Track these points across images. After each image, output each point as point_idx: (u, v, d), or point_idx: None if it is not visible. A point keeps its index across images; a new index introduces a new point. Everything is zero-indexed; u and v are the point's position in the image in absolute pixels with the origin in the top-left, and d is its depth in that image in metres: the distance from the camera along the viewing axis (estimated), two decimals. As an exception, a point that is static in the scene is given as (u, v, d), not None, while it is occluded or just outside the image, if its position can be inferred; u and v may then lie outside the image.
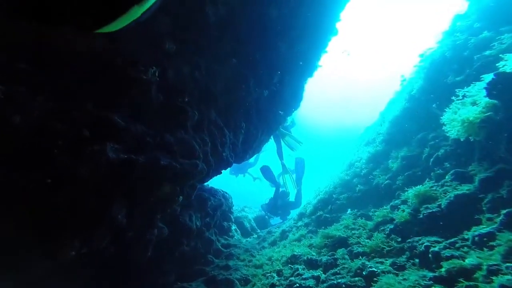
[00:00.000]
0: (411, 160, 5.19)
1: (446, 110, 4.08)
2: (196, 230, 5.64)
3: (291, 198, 11.59)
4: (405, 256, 3.28)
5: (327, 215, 6.73)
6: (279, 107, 7.59)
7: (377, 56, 34.22)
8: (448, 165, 4.10)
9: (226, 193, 8.80)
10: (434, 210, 3.38)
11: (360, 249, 4.24)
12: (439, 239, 3.08)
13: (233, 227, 10.12)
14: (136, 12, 0.97)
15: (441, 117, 4.15)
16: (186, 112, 4.16)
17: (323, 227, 6.54)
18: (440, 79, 5.34)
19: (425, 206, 3.54)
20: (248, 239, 9.84)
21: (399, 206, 4.24)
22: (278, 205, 11.27)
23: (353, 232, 5.10)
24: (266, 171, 11.12)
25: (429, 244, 3.05)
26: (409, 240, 3.37)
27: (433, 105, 5.39)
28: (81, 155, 2.72)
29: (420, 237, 3.28)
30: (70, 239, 2.68)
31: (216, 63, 5.11)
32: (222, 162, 5.48)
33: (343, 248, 4.78)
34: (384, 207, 4.80)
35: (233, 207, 11.94)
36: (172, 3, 4.13)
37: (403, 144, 5.61)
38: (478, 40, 4.93)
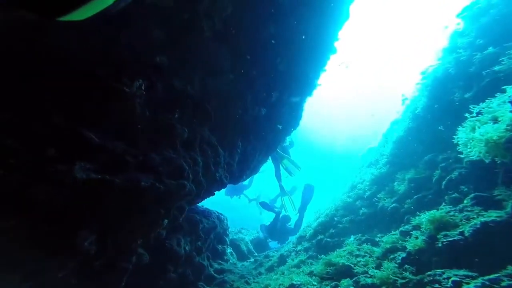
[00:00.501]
0: (419, 183, 4.74)
1: (459, 129, 3.68)
2: (184, 256, 5.08)
3: (292, 223, 11.04)
4: (426, 294, 2.75)
5: (328, 239, 6.17)
6: (277, 126, 7.22)
7: (374, 73, 34.26)
8: (465, 188, 3.65)
9: (221, 214, 8.24)
10: (456, 238, 2.87)
11: (368, 280, 3.68)
12: (471, 274, 2.55)
13: (229, 250, 9.46)
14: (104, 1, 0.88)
15: (454, 137, 3.74)
16: (175, 129, 3.75)
17: (324, 253, 5.97)
18: (446, 97, 5.00)
19: (443, 233, 3.05)
20: (245, 263, 9.15)
21: (410, 232, 3.74)
22: (277, 228, 10.76)
23: (358, 259, 4.55)
24: (265, 205, 11.69)
25: (458, 279, 2.52)
26: (429, 272, 2.83)
27: (440, 127, 5.01)
28: (39, 175, 2.28)
29: (443, 270, 2.75)
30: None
31: (211, 78, 4.77)
32: (215, 182, 5.01)
33: (348, 279, 4.21)
34: (393, 233, 4.28)
35: (229, 229, 11.32)
36: (165, 16, 3.85)
37: (409, 166, 5.18)
38: (484, 56, 4.63)
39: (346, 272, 4.41)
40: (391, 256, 3.76)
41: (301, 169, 8.77)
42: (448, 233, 3.00)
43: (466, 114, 3.64)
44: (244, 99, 5.65)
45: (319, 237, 6.42)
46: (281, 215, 10.74)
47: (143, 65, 3.49)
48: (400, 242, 3.83)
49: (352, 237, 5.38)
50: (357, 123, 34.32)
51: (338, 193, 7.93)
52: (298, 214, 10.64)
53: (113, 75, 3.04)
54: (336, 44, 7.43)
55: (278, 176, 9.25)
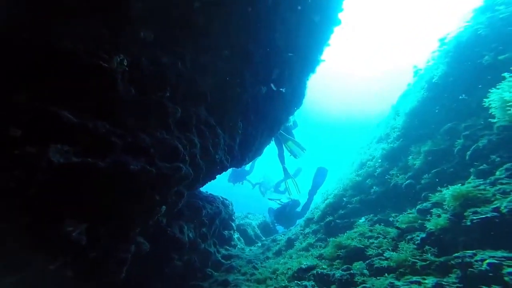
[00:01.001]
0: (438, 155, 4.31)
1: (492, 90, 3.22)
2: (188, 243, 4.81)
3: (300, 207, 10.82)
4: (454, 276, 2.39)
5: (337, 220, 5.85)
6: (279, 105, 6.78)
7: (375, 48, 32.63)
8: (497, 158, 3.21)
9: (226, 199, 7.98)
10: (489, 215, 2.49)
11: (384, 263, 3.34)
12: (509, 255, 2.18)
13: (236, 235, 9.27)
14: None
15: (480, 103, 3.28)
16: (166, 107, 3.37)
17: (333, 235, 5.67)
18: (471, 61, 4.48)
19: (472, 210, 2.67)
20: (252, 247, 8.97)
21: (430, 210, 3.36)
22: (285, 213, 10.53)
23: (371, 241, 4.22)
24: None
25: (497, 261, 2.15)
26: (457, 254, 2.47)
27: (462, 96, 4.52)
28: (6, 161, 1.94)
29: (474, 251, 2.39)
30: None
31: (204, 55, 4.34)
32: (215, 165, 4.66)
33: (360, 261, 3.90)
34: (409, 211, 3.91)
35: (235, 214, 11.11)
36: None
37: (426, 138, 4.73)
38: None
39: (358, 254, 4.10)
40: (408, 237, 3.41)
41: (306, 150, 8.37)
42: (478, 209, 2.61)
43: (505, 74, 3.16)
44: (242, 77, 5.20)
45: (327, 219, 6.10)
46: (290, 201, 10.51)
47: (126, 41, 3.08)
48: (419, 221, 3.46)
49: (363, 218, 5.04)
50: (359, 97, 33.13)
51: (345, 172, 7.54)
52: (307, 197, 10.37)
53: (91, 51, 2.64)
54: (341, 16, 6.83)
55: (281, 158, 8.88)
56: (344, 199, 6.15)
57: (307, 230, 6.86)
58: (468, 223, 2.60)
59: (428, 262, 2.79)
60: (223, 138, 5.03)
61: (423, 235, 3.09)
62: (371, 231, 4.54)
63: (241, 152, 6.29)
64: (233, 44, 4.82)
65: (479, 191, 2.80)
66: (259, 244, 9.11)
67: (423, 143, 4.68)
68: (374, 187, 5.42)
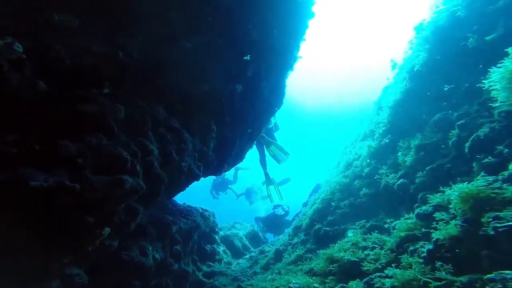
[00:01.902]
0: (430, 149, 3.70)
1: (491, 70, 2.65)
2: (155, 265, 4.00)
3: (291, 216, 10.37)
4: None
5: (327, 228, 5.15)
6: (258, 105, 6.11)
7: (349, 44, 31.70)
8: (506, 149, 2.60)
9: (206, 211, 7.18)
10: (518, 222, 1.86)
11: (387, 282, 2.63)
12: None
13: (221, 248, 8.44)
14: None
15: (476, 86, 2.70)
16: (103, 107, 2.61)
17: (324, 245, 4.97)
18: (454, 45, 3.95)
19: (491, 215, 2.02)
20: (240, 260, 8.15)
21: (432, 215, 2.71)
22: (274, 221, 10.02)
23: (366, 253, 3.54)
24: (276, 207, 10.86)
25: None
26: (490, 275, 1.77)
27: (445, 86, 3.98)
28: None
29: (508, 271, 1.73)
30: None
31: (157, 45, 3.63)
32: (182, 174, 3.90)
33: (357, 280, 3.20)
34: (406, 216, 3.25)
35: (221, 225, 10.28)
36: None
37: (415, 131, 4.13)
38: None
39: (353, 269, 3.40)
40: (411, 248, 2.74)
41: (290, 156, 7.69)
42: (500, 214, 1.97)
43: (509, 49, 2.59)
44: (211, 73, 4.52)
45: (316, 227, 5.40)
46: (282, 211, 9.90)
47: (31, 24, 2.34)
48: (421, 229, 2.81)
49: (355, 225, 4.36)
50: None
51: (332, 174, 6.89)
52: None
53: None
54: (314, 8, 6.28)
55: (262, 162, 8.15)
56: (332, 203, 5.48)
57: (295, 239, 6.14)
58: (491, 232, 1.95)
59: (444, 282, 2.11)
60: (192, 142, 4.29)
61: (430, 246, 2.43)
62: (365, 240, 3.86)
63: (217, 158, 5.55)
64: (198, 35, 4.15)
65: (492, 190, 2.17)
66: (247, 256, 8.30)
67: (412, 137, 4.07)
68: (363, 189, 4.77)
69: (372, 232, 3.90)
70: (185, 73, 4.04)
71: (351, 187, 5.36)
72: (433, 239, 2.42)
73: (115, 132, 2.77)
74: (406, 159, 3.96)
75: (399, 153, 4.18)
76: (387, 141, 4.87)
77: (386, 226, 3.73)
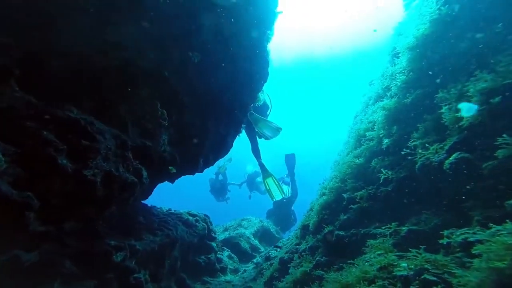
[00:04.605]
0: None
1: None
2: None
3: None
4: None
5: (340, 232, 3.45)
6: (229, 77, 4.40)
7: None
8: None
9: (195, 216, 5.68)
10: None
11: None
12: None
13: (226, 253, 6.97)
14: None
15: None
16: None
17: (339, 257, 3.32)
18: None
19: None
20: (248, 265, 6.65)
21: None
22: (281, 215, 8.68)
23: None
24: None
25: None
26: None
27: None
28: None
29: None
30: None
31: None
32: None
33: None
34: (477, 219, 1.50)
35: (225, 225, 8.80)
36: None
37: (462, 74, 2.28)
38: None
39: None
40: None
41: (282, 130, 5.89)
42: None
43: None
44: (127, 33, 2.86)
45: (326, 229, 3.71)
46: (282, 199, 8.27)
47: None
48: None
49: (382, 228, 2.62)
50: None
51: (342, 153, 5.05)
52: (290, 184, 9.46)
53: None
54: None
55: (255, 151, 6.43)
56: (344, 195, 3.73)
57: (303, 245, 4.47)
58: None
59: None
60: (117, 137, 2.70)
61: None
62: (401, 258, 2.13)
63: (183, 153, 3.95)
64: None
65: None
66: (256, 260, 6.77)
67: (460, 82, 2.20)
68: (385, 172, 2.98)
69: (412, 245, 2.15)
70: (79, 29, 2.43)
71: (368, 170, 3.57)
72: None
73: None
74: (464, 115, 2.11)
75: (444, 108, 2.34)
76: (414, 95, 3.01)
77: (438, 233, 1.96)
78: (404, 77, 3.18)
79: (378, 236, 2.79)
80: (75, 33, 2.40)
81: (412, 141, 2.67)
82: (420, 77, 3.07)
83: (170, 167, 2.99)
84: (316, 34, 22.87)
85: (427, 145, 2.43)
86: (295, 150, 10.75)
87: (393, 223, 2.54)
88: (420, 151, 2.50)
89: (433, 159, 2.29)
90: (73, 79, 2.43)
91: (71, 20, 2.39)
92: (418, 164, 2.48)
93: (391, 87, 3.53)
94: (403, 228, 2.40)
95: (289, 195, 9.34)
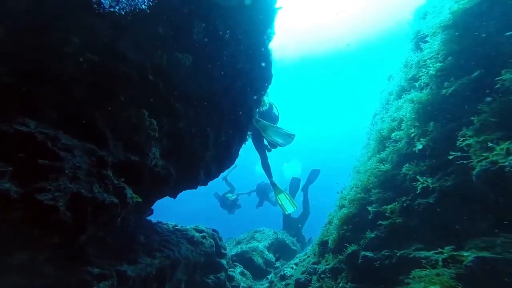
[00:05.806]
0: None
1: None
2: None
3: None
4: None
5: (369, 254, 2.75)
6: (227, 80, 3.85)
7: None
8: None
9: (202, 231, 5.09)
10: None
11: None
12: None
13: (238, 269, 6.31)
14: None
15: None
16: None
17: (368, 285, 2.64)
18: None
19: None
20: (263, 283, 5.96)
21: None
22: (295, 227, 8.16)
23: None
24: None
25: None
26: None
27: None
28: None
29: None
30: None
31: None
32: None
33: None
34: None
35: (237, 238, 8.16)
36: None
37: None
38: None
39: None
40: None
41: (295, 136, 5.21)
42: None
43: None
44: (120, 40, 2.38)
45: (350, 249, 3.02)
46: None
47: None
48: None
49: (427, 250, 1.94)
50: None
51: (361, 160, 4.32)
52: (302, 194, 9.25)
53: None
54: None
55: (266, 167, 5.74)
56: (369, 208, 3.04)
57: (322, 265, 3.77)
58: None
59: None
60: (89, 151, 2.19)
61: None
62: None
63: (178, 167, 3.40)
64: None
65: None
66: (270, 277, 6.06)
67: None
68: (423, 180, 2.29)
69: (485, 279, 1.46)
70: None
71: (397, 177, 2.88)
72: None
73: None
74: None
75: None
76: (458, 84, 2.33)
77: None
78: (440, 64, 2.50)
79: (423, 261, 2.09)
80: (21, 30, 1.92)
81: (463, 140, 1.98)
82: (462, 61, 2.39)
83: (135, 196, 2.44)
84: (315, 34, 21.80)
85: (490, 144, 1.75)
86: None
87: (446, 247, 1.85)
88: (477, 151, 1.82)
89: (503, 162, 1.61)
90: (29, 86, 1.94)
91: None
92: (477, 169, 1.80)
93: (420, 76, 2.85)
94: (465, 254, 1.70)
95: (299, 216, 8.84)
